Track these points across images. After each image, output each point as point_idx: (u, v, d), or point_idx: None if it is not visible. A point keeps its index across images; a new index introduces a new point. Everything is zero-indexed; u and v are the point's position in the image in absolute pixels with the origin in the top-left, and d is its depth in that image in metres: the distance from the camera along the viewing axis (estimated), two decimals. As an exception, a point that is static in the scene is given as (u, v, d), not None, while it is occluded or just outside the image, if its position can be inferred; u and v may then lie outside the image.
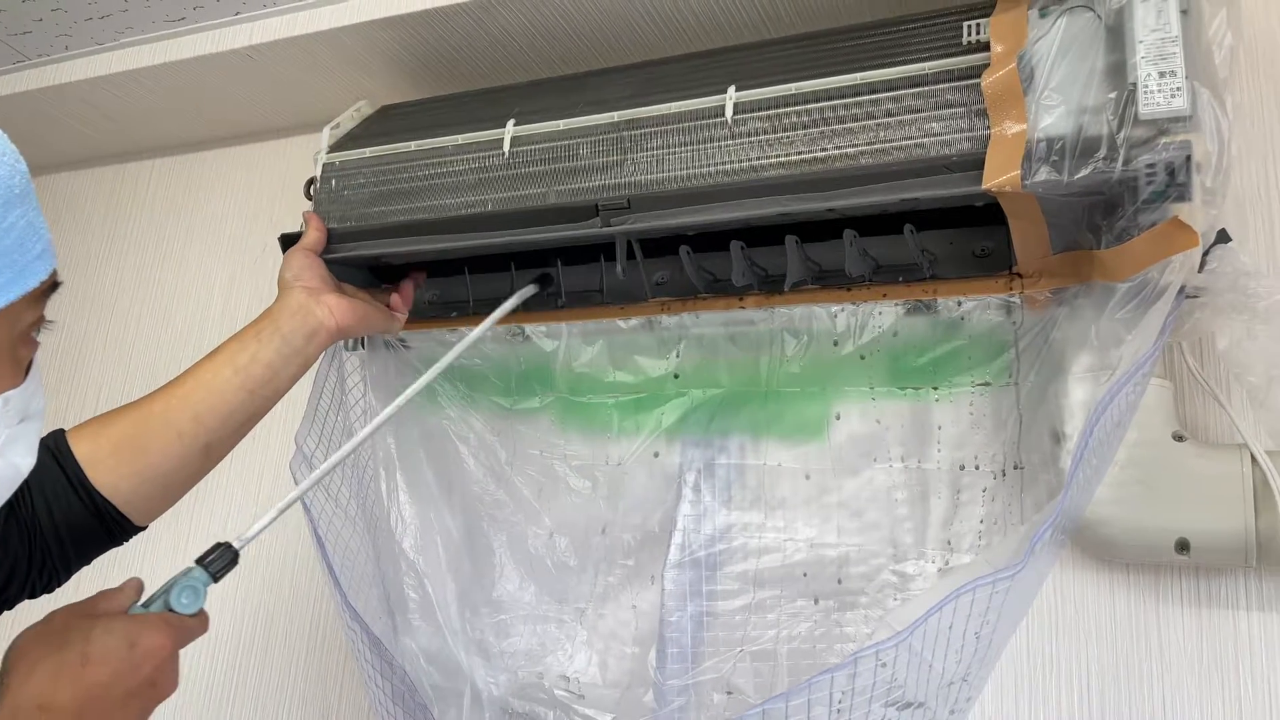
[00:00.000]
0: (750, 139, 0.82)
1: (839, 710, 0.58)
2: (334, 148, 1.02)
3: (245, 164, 1.38)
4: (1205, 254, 0.72)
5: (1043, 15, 0.75)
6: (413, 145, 0.96)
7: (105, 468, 0.74)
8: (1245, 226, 0.81)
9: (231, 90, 1.25)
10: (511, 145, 0.91)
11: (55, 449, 0.74)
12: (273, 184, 1.34)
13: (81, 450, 0.74)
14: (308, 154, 1.29)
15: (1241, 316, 0.72)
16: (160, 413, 0.77)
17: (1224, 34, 0.72)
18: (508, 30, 1.06)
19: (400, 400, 0.83)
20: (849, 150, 0.78)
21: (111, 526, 0.75)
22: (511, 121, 0.92)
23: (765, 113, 0.82)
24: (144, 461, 0.76)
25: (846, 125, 0.79)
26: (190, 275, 1.37)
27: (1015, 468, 0.80)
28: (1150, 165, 0.67)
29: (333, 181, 0.99)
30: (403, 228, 0.94)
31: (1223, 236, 0.74)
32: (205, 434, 0.78)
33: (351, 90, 1.21)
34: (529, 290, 0.94)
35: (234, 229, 1.36)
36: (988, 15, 0.78)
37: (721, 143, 0.83)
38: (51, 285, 0.57)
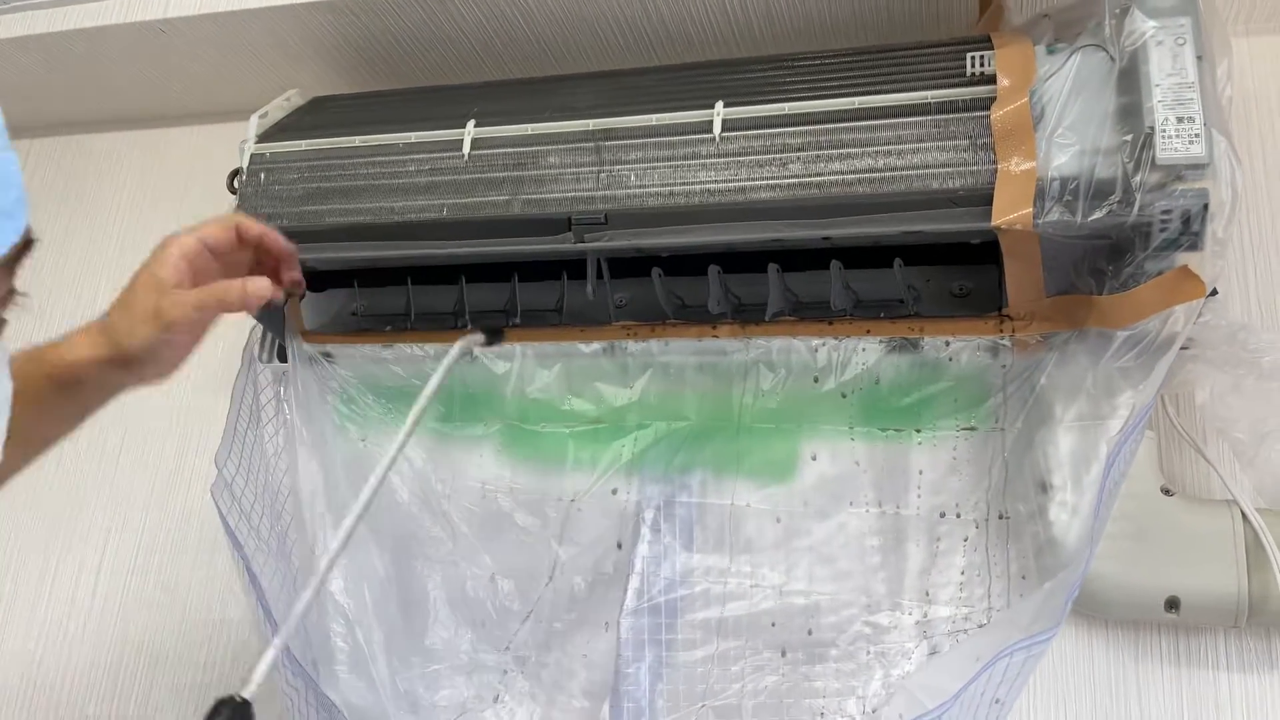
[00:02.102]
0: (739, 158, 0.77)
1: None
2: (262, 138, 0.92)
3: (144, 150, 1.24)
4: (1200, 306, 0.71)
5: (1051, 52, 0.73)
6: (357, 140, 0.87)
7: None
8: (1229, 283, 0.81)
9: (137, 67, 1.13)
10: (472, 148, 0.83)
11: None
12: (178, 175, 1.21)
13: None
14: (218, 144, 1.17)
15: (1238, 371, 0.71)
16: None
17: (1225, 84, 0.72)
18: (461, 27, 0.98)
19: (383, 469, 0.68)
20: (846, 176, 0.74)
21: None
22: (472, 122, 0.84)
23: (756, 132, 0.77)
24: None
25: (844, 150, 0.75)
26: (72, 269, 1.22)
27: (1000, 517, 0.77)
28: (1166, 212, 0.66)
29: (261, 175, 0.89)
30: (344, 230, 0.85)
31: (1212, 289, 0.73)
32: None
33: (276, 78, 1.10)
34: (476, 339, 0.77)
35: (127, 221, 1.22)
36: (983, 47, 0.76)
37: (708, 160, 0.78)
38: (25, 245, 0.46)
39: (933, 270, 0.83)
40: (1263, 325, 0.81)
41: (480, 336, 0.78)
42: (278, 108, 0.96)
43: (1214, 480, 0.76)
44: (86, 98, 1.22)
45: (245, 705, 0.54)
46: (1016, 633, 0.54)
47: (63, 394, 0.67)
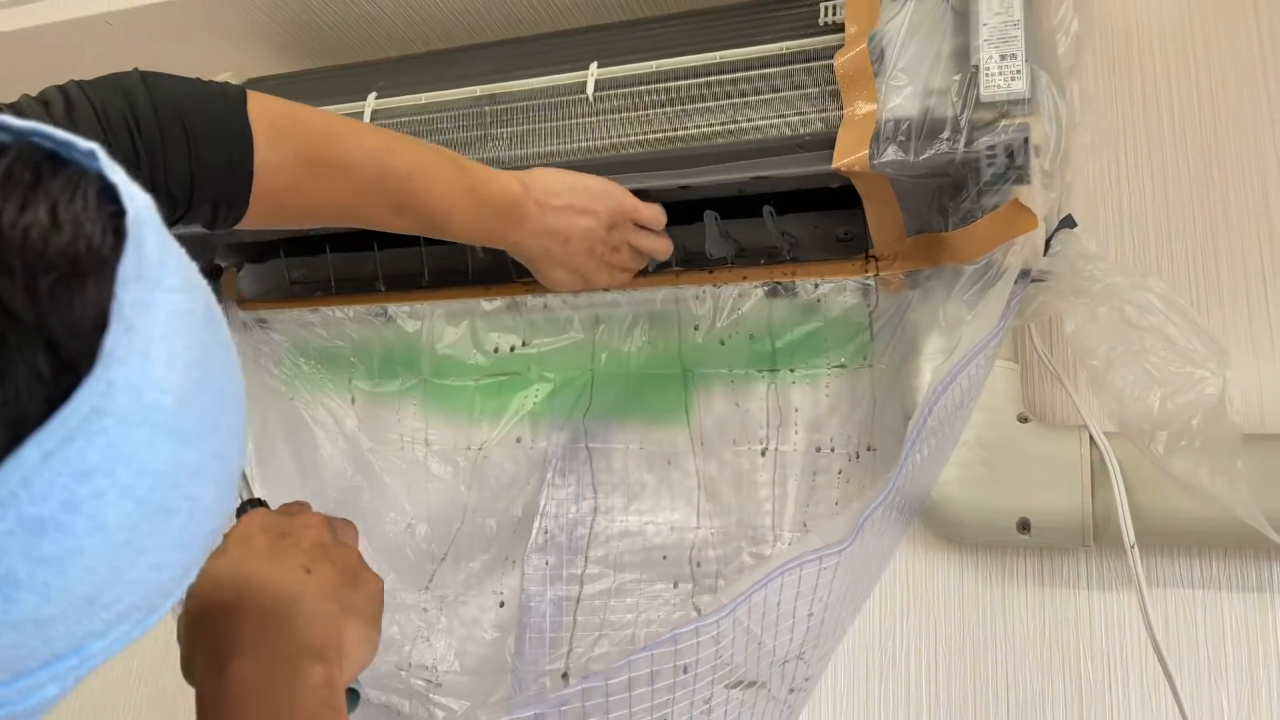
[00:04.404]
0: (611, 116, 0.81)
1: (669, 686, 0.57)
2: (191, 119, 0.97)
3: (109, 138, 1.31)
4: (1050, 238, 0.73)
5: (895, -3, 0.75)
6: (271, 117, 0.93)
7: None
8: (1096, 214, 0.82)
9: (85, 61, 1.18)
10: (372, 119, 0.88)
11: None
12: (136, 159, 1.28)
13: None
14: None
15: (1082, 299, 0.73)
16: None
17: (1070, 21, 0.74)
18: (379, 3, 1.03)
19: None
20: (707, 129, 0.78)
21: None
22: (373, 95, 0.89)
23: (625, 90, 0.81)
24: None
25: (705, 104, 0.78)
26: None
27: (869, 449, 0.80)
28: (990, 147, 0.68)
29: (187, 154, 0.95)
30: (257, 202, 0.90)
31: (1068, 222, 0.75)
32: None
33: (216, 62, 1.16)
34: None
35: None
36: (846, -3, 0.79)
37: (583, 120, 0.81)
38: None
39: (818, 217, 0.86)
40: (1134, 254, 0.82)
41: None
42: (211, 90, 1.02)
43: (1076, 410, 0.79)
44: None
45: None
46: (815, 544, 0.58)
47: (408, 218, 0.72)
